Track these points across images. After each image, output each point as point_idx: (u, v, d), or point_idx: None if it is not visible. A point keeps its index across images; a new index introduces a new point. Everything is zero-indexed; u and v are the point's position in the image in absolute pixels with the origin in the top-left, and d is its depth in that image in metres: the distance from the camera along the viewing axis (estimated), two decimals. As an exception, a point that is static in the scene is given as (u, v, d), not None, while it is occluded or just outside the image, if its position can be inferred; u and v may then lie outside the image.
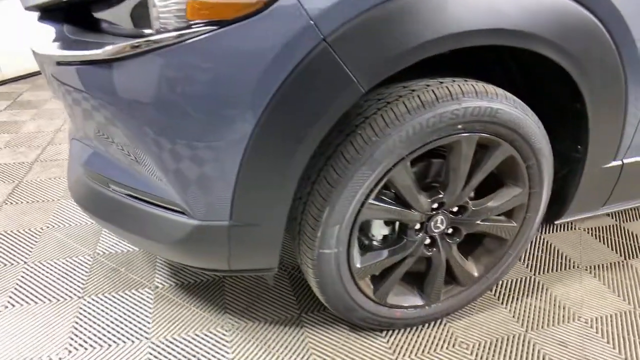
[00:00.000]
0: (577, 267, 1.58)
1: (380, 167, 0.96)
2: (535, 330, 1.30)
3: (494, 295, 1.43)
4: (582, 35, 0.99)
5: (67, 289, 1.37)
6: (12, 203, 1.82)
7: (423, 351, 1.21)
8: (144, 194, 1.00)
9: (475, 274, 1.26)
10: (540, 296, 1.43)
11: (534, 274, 1.53)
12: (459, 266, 1.22)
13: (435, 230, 1.14)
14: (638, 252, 1.67)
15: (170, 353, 1.17)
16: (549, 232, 1.77)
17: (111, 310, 1.29)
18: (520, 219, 1.21)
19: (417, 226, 1.13)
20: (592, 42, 1.01)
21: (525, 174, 1.13)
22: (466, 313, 1.35)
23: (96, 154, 1.08)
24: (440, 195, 1.09)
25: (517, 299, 1.42)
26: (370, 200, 1.01)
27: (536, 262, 1.60)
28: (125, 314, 1.28)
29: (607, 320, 1.35)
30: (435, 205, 1.11)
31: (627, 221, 1.87)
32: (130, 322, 1.25)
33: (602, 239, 1.75)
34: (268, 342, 1.22)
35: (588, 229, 1.80)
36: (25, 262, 1.48)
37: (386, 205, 1.04)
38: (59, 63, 0.96)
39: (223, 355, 1.17)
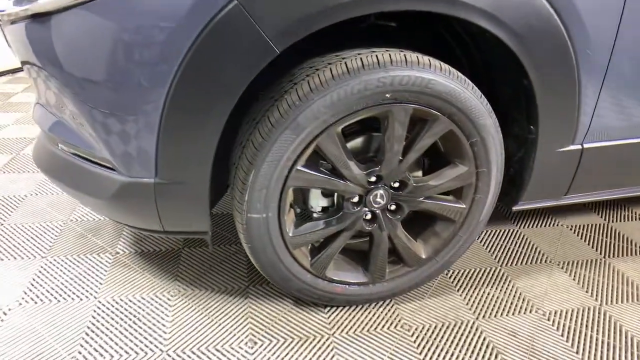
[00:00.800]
0: (549, 261, 1.53)
1: (304, 132, 0.97)
2: (486, 318, 1.27)
3: (452, 281, 1.40)
4: (521, 7, 0.97)
5: (33, 249, 1.45)
6: (5, 172, 1.95)
7: (362, 329, 1.21)
8: (83, 152, 1.06)
9: (423, 256, 1.24)
10: (501, 286, 1.40)
11: (500, 265, 1.49)
12: (404, 246, 1.21)
13: (376, 205, 1.14)
14: (621, 252, 1.60)
15: (113, 312, 1.22)
16: (527, 227, 1.71)
17: (68, 271, 1.36)
18: (469, 200, 1.19)
19: (356, 199, 1.13)
20: (533, 15, 0.99)
21: (469, 152, 1.11)
22: (417, 296, 1.34)
23: (48, 115, 1.15)
24: (377, 169, 1.09)
25: (475, 287, 1.39)
26: (298, 167, 1.02)
27: (505, 253, 1.56)
28: (81, 274, 1.35)
29: (567, 315, 1.30)
30: (373, 179, 1.11)
31: (617, 221, 1.78)
32: (84, 282, 1.32)
33: (584, 237, 1.68)
34: (210, 309, 1.25)
35: (572, 226, 1.74)
36: (1, 224, 1.58)
37: (315, 173, 1.05)
38: (12, 22, 1.04)
39: (163, 318, 1.21)
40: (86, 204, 1.16)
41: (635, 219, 1.80)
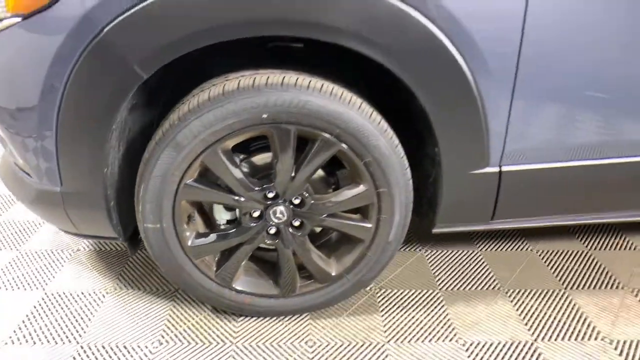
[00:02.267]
0: (498, 288, 1.46)
1: (185, 150, 1.06)
2: (397, 343, 1.26)
3: (379, 301, 1.40)
4: (392, 26, 0.97)
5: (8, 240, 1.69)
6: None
7: (266, 341, 1.26)
8: (14, 160, 1.23)
9: (333, 273, 1.26)
10: (430, 311, 1.37)
11: (439, 289, 1.46)
12: (312, 262, 1.24)
13: (276, 221, 1.19)
14: (589, 283, 1.48)
15: (47, 302, 1.39)
16: (488, 250, 1.64)
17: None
18: (375, 220, 1.19)
19: (257, 214, 1.19)
20: (410, 34, 0.98)
21: (365, 171, 1.13)
22: (336, 313, 1.36)
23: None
24: (270, 185, 1.14)
25: (402, 309, 1.37)
26: (187, 182, 1.11)
27: (451, 276, 1.51)
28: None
29: (490, 347, 1.24)
30: (271, 195, 1.16)
31: (601, 250, 1.64)
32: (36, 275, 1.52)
33: (553, 264, 1.57)
34: (135, 308, 1.38)
35: (543, 251, 1.63)
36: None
37: (206, 188, 1.13)
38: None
39: (91, 312, 1.36)
40: (23, 204, 1.34)
41: (623, 248, 1.65)
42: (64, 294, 1.43)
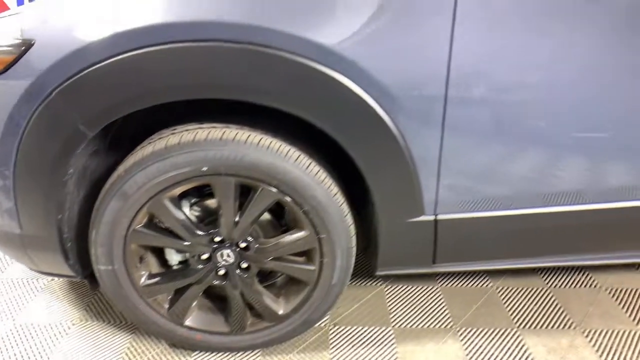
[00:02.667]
0: (450, 327, 1.49)
1: (131, 199, 1.14)
2: (343, 381, 1.30)
3: (332, 338, 1.45)
4: (322, 92, 1.05)
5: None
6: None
7: (216, 376, 1.32)
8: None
9: (281, 312, 1.32)
10: (378, 349, 1.41)
11: (390, 326, 1.50)
12: (260, 302, 1.30)
13: (224, 263, 1.26)
14: (541, 324, 1.50)
15: (19, 331, 1.48)
16: (449, 285, 1.68)
17: None
18: (317, 263, 1.25)
19: (205, 256, 1.26)
20: (337, 97, 1.06)
21: (304, 219, 1.19)
22: (288, 350, 1.41)
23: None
24: (215, 231, 1.21)
25: (351, 346, 1.42)
26: (136, 228, 1.18)
27: (402, 312, 1.55)
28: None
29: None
30: (218, 239, 1.23)
31: (560, 287, 1.66)
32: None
33: (511, 302, 1.60)
34: (97, 339, 1.45)
35: (503, 288, 1.66)
36: None
37: (154, 233, 1.20)
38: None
39: (53, 344, 1.44)
40: None
41: (583, 286, 1.67)
42: (32, 325, 1.52)
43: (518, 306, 1.60)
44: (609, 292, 1.65)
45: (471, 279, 1.73)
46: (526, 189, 1.20)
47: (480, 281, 1.72)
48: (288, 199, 1.16)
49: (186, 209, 1.26)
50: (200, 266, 1.26)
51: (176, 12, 1.03)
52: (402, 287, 1.69)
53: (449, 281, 1.72)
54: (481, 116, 1.11)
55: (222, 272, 1.28)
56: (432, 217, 1.21)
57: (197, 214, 1.28)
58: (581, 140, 1.15)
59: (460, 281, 1.72)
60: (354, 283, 1.72)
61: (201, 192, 1.30)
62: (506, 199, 1.21)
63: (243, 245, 1.25)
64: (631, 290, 1.66)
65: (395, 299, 1.64)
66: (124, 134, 1.35)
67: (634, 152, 1.17)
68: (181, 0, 1.05)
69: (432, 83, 1.07)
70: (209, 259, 1.26)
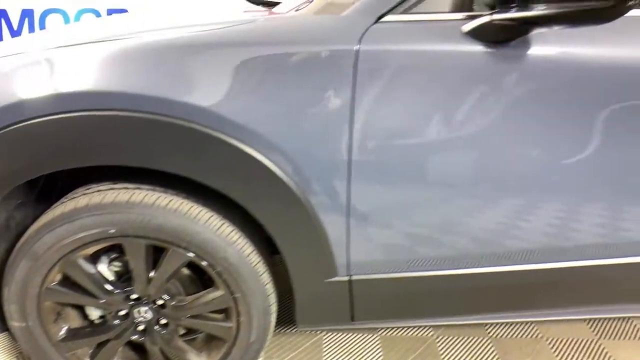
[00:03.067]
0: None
1: (41, 259, 1.15)
2: None
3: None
4: (221, 157, 1.07)
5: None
6: None
7: None
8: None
9: (202, 368, 1.32)
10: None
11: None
12: (180, 357, 1.30)
13: (142, 319, 1.26)
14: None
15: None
16: (385, 333, 1.66)
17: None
18: (235, 321, 1.25)
19: (123, 312, 1.26)
20: (238, 164, 1.07)
21: (218, 279, 1.19)
22: (212, 404, 1.40)
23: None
24: (130, 289, 1.22)
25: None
26: (49, 286, 1.19)
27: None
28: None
29: None
30: (135, 296, 1.24)
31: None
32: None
33: (455, 352, 1.59)
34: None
35: (445, 337, 1.65)
36: None
37: (68, 291, 1.21)
38: None
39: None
40: None
41: (521, 336, 1.65)
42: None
43: (456, 357, 1.59)
44: (550, 343, 1.64)
45: (412, 328, 1.72)
46: (433, 251, 1.21)
47: (421, 330, 1.71)
48: (199, 260, 1.17)
49: (104, 264, 1.27)
50: (118, 322, 1.26)
51: (66, 83, 1.06)
52: (341, 335, 1.69)
53: (389, 329, 1.71)
54: (386, 179, 1.12)
55: (141, 327, 1.29)
56: (346, 278, 1.21)
57: (116, 269, 1.28)
58: (484, 204, 1.17)
59: (401, 330, 1.71)
60: (293, 330, 1.71)
61: (122, 247, 1.31)
62: (414, 262, 1.22)
63: (160, 302, 1.26)
64: (573, 341, 1.65)
65: (332, 347, 1.63)
66: (53, 186, 1.37)
67: (543, 211, 1.18)
68: (70, 72, 1.08)
69: (335, 147, 1.08)
70: (127, 315, 1.27)
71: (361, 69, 1.04)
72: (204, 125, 1.03)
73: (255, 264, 1.21)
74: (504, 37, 1.03)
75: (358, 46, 1.04)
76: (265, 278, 1.23)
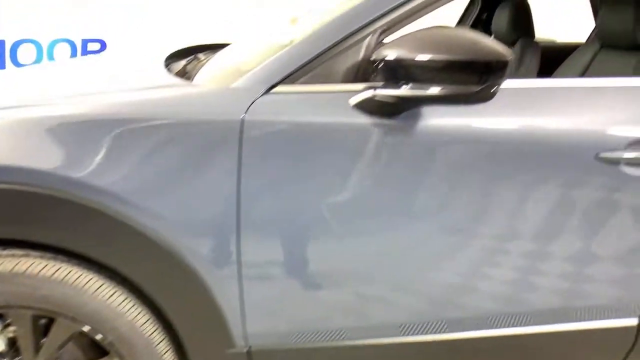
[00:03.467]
0: None
1: None
2: None
3: None
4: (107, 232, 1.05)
5: None
6: None
7: None
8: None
9: None
10: None
11: None
12: None
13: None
14: None
15: None
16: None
17: None
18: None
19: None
20: (124, 238, 1.06)
21: (111, 348, 1.16)
22: None
23: None
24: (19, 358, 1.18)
25: None
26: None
27: None
28: None
29: None
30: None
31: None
32: None
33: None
34: None
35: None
36: None
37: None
38: None
39: None
40: None
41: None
42: None
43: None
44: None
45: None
46: (336, 321, 1.18)
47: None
48: (89, 330, 1.13)
49: (-3, 330, 1.24)
50: (10, 391, 1.22)
51: None
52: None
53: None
54: (275, 247, 1.11)
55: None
56: (244, 349, 1.18)
57: (11, 335, 1.24)
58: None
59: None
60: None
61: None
62: (320, 332, 1.18)
63: (56, 371, 1.22)
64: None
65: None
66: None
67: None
68: None
69: (223, 214, 1.07)
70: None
71: (246, 139, 1.03)
72: (79, 196, 1.01)
73: (151, 334, 1.17)
74: (388, 112, 1.03)
75: (244, 116, 1.03)
76: (162, 347, 1.19)
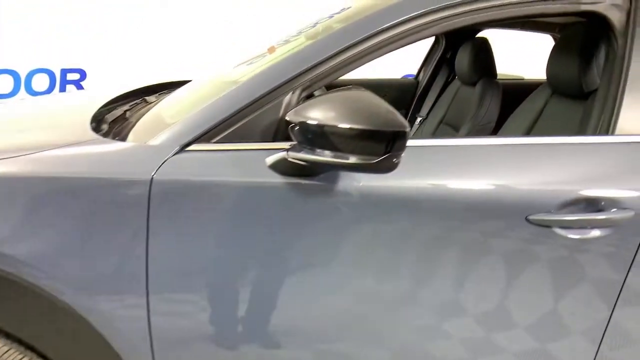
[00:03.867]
0: None
1: None
2: None
3: None
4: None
5: None
6: None
7: None
8: None
9: None
10: None
11: None
12: None
13: None
14: None
15: None
16: None
17: None
18: None
19: None
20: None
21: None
22: None
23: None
24: None
25: None
26: None
27: None
28: None
29: None
30: None
31: None
32: None
33: None
34: None
35: None
36: None
37: None
38: None
39: None
40: None
41: None
42: None
43: None
44: None
45: None
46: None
47: None
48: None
49: None
50: None
51: None
52: None
53: None
54: (184, 312, 1.07)
55: None
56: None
57: None
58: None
59: None
60: None
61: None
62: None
63: None
64: None
65: None
66: None
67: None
68: None
69: (130, 272, 1.03)
70: None
71: (154, 197, 0.99)
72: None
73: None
74: (301, 173, 0.99)
75: (153, 175, 1.00)
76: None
